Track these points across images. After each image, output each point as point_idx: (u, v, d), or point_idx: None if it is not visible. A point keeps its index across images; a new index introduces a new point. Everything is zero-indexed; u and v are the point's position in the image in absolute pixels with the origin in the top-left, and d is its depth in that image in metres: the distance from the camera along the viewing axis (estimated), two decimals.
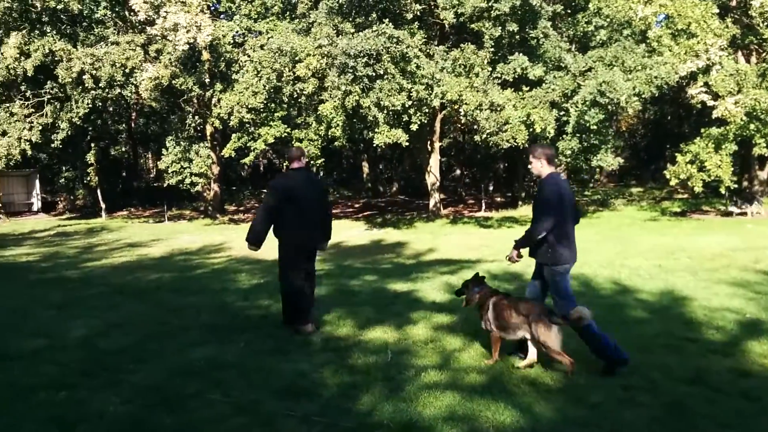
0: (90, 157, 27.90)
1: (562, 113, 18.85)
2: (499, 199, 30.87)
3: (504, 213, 24.80)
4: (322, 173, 40.50)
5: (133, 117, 34.61)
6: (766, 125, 18.52)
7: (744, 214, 20.38)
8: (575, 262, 5.13)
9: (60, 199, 34.23)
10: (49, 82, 23.68)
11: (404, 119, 18.82)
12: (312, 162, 22.61)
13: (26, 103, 24.50)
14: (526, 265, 10.37)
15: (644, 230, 17.43)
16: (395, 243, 16.53)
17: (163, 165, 23.89)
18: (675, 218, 20.45)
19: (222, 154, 24.39)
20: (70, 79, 21.87)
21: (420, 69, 18.17)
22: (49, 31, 23.29)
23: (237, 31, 24.45)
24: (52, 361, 5.19)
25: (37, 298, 8.15)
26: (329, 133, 20.45)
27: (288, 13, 24.52)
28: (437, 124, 23.28)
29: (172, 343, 5.74)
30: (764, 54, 22.50)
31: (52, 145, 24.90)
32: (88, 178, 29.62)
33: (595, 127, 18.21)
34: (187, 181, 23.56)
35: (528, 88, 19.06)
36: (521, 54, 18.72)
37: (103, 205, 28.80)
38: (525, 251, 5.15)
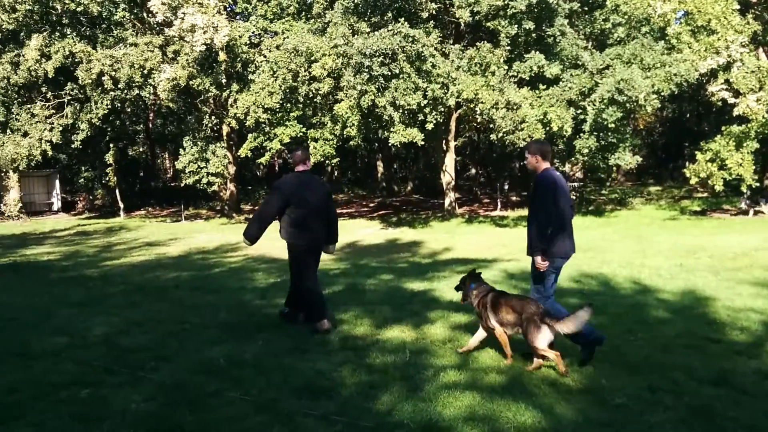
0: (109, 158, 28.27)
1: (579, 111, 18.70)
2: (514, 198, 30.69)
3: (520, 212, 24.64)
4: (336, 173, 40.83)
5: (150, 117, 34.93)
6: None
7: (759, 212, 20.03)
8: (573, 253, 5.20)
9: (79, 199, 34.63)
10: (69, 84, 23.98)
11: (420, 118, 18.79)
12: (327, 161, 22.69)
13: (47, 104, 24.83)
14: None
15: (663, 229, 17.22)
16: (411, 242, 16.50)
17: (180, 165, 24.09)
18: (695, 217, 20.18)
19: (238, 154, 24.55)
20: (90, 81, 22.14)
21: (435, 68, 18.13)
22: (69, 33, 23.59)
23: (253, 32, 24.60)
24: (74, 359, 5.24)
25: (58, 296, 8.25)
26: (344, 133, 20.50)
27: (304, 13, 24.60)
28: (452, 123, 23.21)
29: (191, 341, 5.78)
30: None
31: (72, 146, 25.23)
32: (107, 178, 29.99)
33: (612, 125, 18.05)
34: (204, 180, 23.74)
35: (545, 87, 18.94)
36: (538, 52, 18.61)
37: (121, 205, 29.13)
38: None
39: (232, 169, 26.50)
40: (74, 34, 23.72)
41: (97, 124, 24.50)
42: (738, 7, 19.40)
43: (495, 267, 10.26)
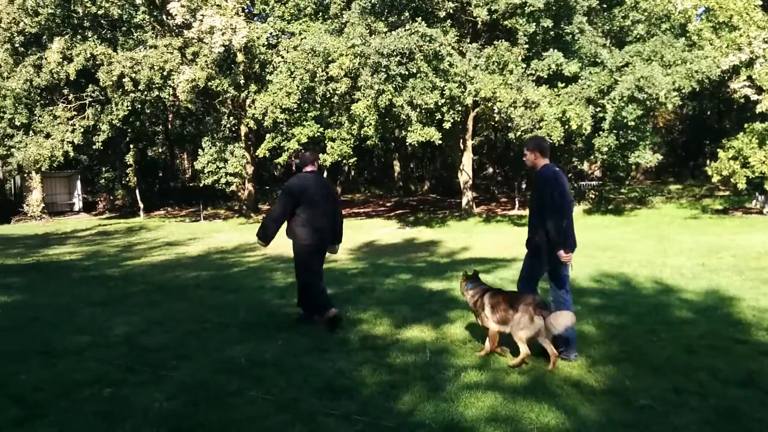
0: (129, 158, 28.61)
1: (598, 110, 18.51)
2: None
3: None
4: (353, 172, 40.86)
5: (169, 118, 35.25)
6: None
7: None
8: (575, 248, 5.18)
9: (100, 199, 35.09)
10: (90, 86, 24.28)
11: (437, 117, 18.74)
12: (344, 161, 22.73)
13: (69, 106, 25.16)
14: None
15: (685, 228, 16.98)
16: (428, 241, 16.45)
17: (199, 165, 24.27)
18: (717, 216, 19.87)
19: (256, 154, 24.68)
20: (111, 83, 22.39)
21: (453, 67, 18.07)
22: (90, 36, 23.88)
23: (271, 33, 24.73)
24: (97, 357, 5.30)
25: (80, 295, 8.34)
26: (362, 132, 20.50)
27: (321, 14, 24.69)
28: (470, 122, 23.11)
29: (212, 340, 5.82)
30: None
31: (93, 147, 25.54)
32: (127, 179, 30.35)
33: (632, 123, 17.84)
34: (223, 180, 23.90)
35: (563, 85, 18.78)
36: (556, 50, 18.46)
37: (141, 205, 29.44)
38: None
39: (250, 169, 26.65)
40: (95, 37, 24.00)
41: (118, 125, 24.76)
42: (760, 2, 19.11)
43: (513, 266, 10.17)
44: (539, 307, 4.82)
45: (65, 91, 25.32)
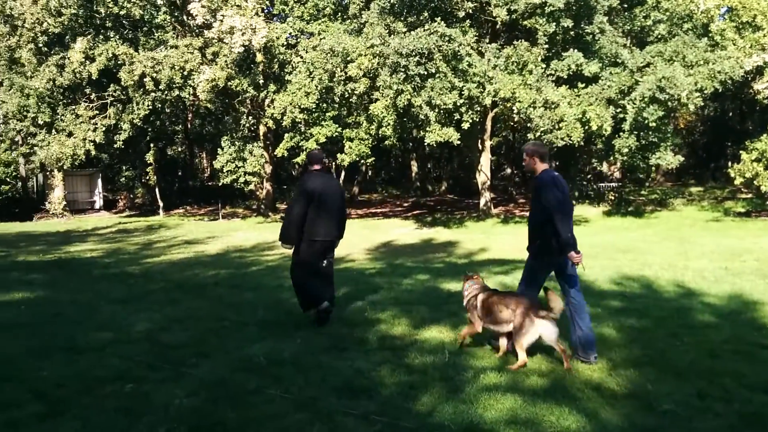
0: (149, 157, 28.91)
1: (618, 110, 18.32)
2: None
3: None
4: (370, 172, 40.87)
5: (189, 118, 35.57)
6: None
7: None
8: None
9: (120, 198, 35.51)
10: (112, 85, 24.57)
11: (455, 118, 18.67)
12: (362, 161, 22.75)
13: (91, 105, 25.48)
14: (586, 266, 10.14)
15: (707, 231, 16.74)
16: (446, 242, 16.40)
17: (218, 164, 24.45)
18: (739, 219, 19.57)
19: (275, 153, 24.80)
20: (132, 82, 22.65)
21: (472, 67, 18.00)
22: (112, 36, 24.18)
23: (290, 33, 24.84)
24: (118, 354, 5.36)
25: (101, 292, 8.44)
26: (380, 132, 20.50)
27: (340, 14, 24.74)
28: (488, 123, 23.01)
29: (231, 338, 5.86)
30: None
31: (114, 146, 25.83)
32: (147, 177, 30.68)
33: (654, 124, 17.63)
34: (241, 180, 24.04)
35: (583, 85, 18.62)
36: (576, 50, 18.30)
37: (160, 203, 29.74)
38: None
39: (268, 168, 26.79)
40: (117, 37, 24.29)
41: (138, 124, 25.02)
42: None
43: None
44: (534, 308, 4.81)
45: (87, 91, 25.65)
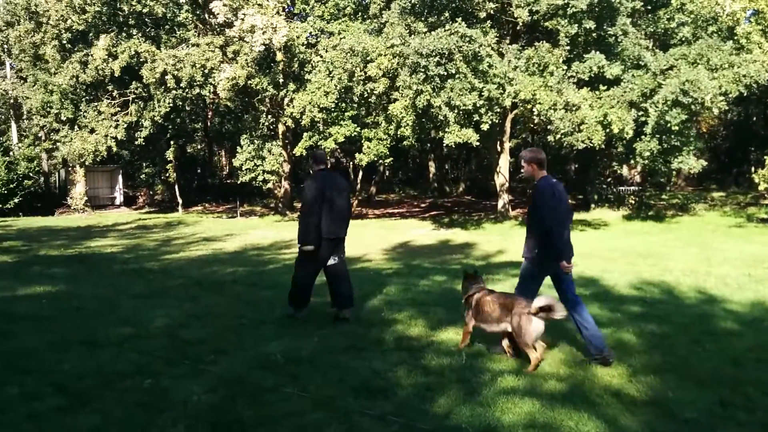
0: (169, 154, 29.21)
1: (640, 113, 18.10)
2: (570, 201, 29.99)
3: (575, 215, 24.07)
4: (388, 172, 40.84)
5: (209, 116, 35.85)
6: None
7: None
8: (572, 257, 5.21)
9: (140, 194, 35.92)
10: (134, 83, 24.84)
11: (475, 119, 18.58)
12: (380, 161, 22.75)
13: (113, 102, 25.80)
14: (602, 270, 10.04)
15: (729, 237, 16.48)
16: (463, 243, 16.34)
17: (237, 162, 24.60)
18: (762, 225, 19.23)
19: (293, 152, 24.88)
20: (154, 80, 22.88)
21: (492, 68, 17.90)
22: (135, 33, 24.45)
23: (310, 32, 24.90)
24: (138, 349, 5.41)
25: (121, 287, 8.54)
26: (399, 133, 20.47)
27: (360, 13, 24.75)
28: (507, 124, 22.88)
29: (249, 335, 5.88)
30: None
31: (135, 143, 26.12)
32: (167, 175, 31.00)
33: (676, 127, 17.37)
34: (260, 178, 24.16)
35: (605, 88, 18.42)
36: (598, 52, 18.11)
37: (179, 200, 30.01)
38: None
39: (287, 167, 26.90)
40: (140, 34, 24.56)
41: (159, 121, 25.26)
42: None
43: None
44: (528, 306, 4.83)
45: (110, 88, 25.96)
